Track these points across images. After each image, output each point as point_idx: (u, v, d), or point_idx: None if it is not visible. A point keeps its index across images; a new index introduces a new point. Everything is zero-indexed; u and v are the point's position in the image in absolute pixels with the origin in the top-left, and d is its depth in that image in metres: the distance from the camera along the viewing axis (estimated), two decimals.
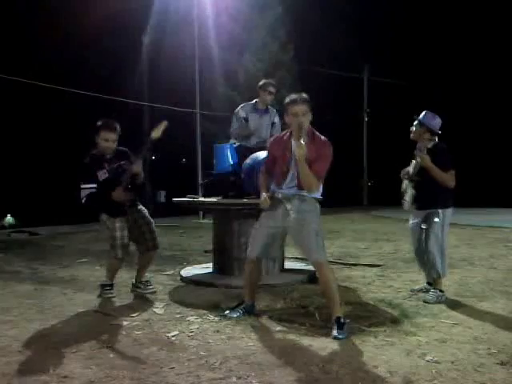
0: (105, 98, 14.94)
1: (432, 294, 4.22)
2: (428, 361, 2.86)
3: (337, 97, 21.62)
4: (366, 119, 24.72)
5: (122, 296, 4.52)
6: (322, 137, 3.57)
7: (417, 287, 4.61)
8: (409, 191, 4.34)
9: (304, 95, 3.53)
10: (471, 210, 16.33)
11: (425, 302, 4.15)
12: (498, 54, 21.90)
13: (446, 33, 22.73)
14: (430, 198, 4.20)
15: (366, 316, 3.76)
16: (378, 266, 6.04)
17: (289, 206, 3.56)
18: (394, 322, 3.63)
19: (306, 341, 3.20)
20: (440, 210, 4.19)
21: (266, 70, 16.30)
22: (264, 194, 3.64)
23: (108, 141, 4.26)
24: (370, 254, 7.16)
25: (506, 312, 3.93)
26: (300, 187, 3.51)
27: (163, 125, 4.24)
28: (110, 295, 4.44)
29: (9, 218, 15.40)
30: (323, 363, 2.81)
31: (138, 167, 4.25)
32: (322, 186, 3.61)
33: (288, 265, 5.59)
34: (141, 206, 4.59)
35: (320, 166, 3.47)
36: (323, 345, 3.12)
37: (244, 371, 2.71)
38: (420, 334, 3.36)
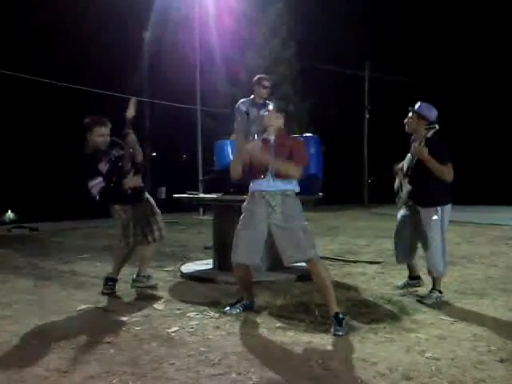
0: (105, 94, 14.93)
1: (430, 296, 4.13)
2: (427, 358, 2.86)
3: (338, 94, 21.59)
4: (367, 116, 24.67)
5: (122, 292, 4.52)
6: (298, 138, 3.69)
7: (400, 283, 4.59)
8: (404, 187, 4.22)
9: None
10: (472, 207, 16.35)
11: (422, 303, 4.07)
12: (500, 50, 21.84)
13: (447, 29, 22.68)
14: (427, 194, 4.05)
15: (366, 313, 3.76)
16: (378, 262, 6.04)
17: (273, 203, 3.49)
18: (394, 318, 3.63)
19: (306, 337, 3.20)
20: (439, 208, 4.04)
21: (267, 66, 16.29)
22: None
23: (103, 135, 4.34)
24: (369, 250, 7.16)
25: (506, 309, 3.92)
26: (279, 176, 3.49)
27: (132, 102, 4.39)
28: (111, 291, 4.44)
29: (9, 214, 15.41)
30: (323, 359, 2.81)
31: (130, 146, 4.36)
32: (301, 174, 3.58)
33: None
34: (148, 197, 4.64)
35: (296, 155, 3.51)
36: (323, 341, 3.13)
37: (244, 367, 2.71)
38: (420, 330, 3.36)
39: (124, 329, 3.43)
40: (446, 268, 4.21)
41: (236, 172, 3.61)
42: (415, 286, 4.51)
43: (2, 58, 13.92)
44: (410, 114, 4.21)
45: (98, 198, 4.28)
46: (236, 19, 16.57)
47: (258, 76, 5.64)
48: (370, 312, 3.80)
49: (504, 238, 8.40)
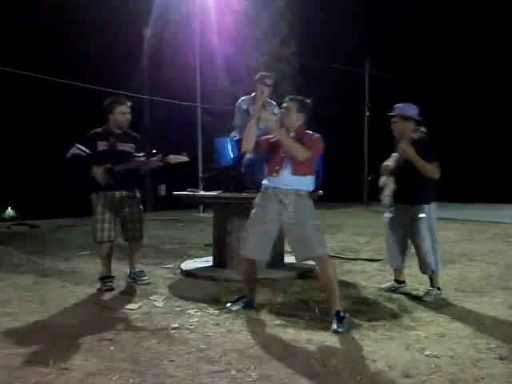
0: (105, 91, 14.92)
1: (430, 293, 4.14)
2: (427, 355, 2.86)
3: (338, 91, 21.55)
4: (367, 114, 24.64)
5: (121, 289, 4.53)
6: (316, 134, 3.63)
7: (384, 286, 4.50)
8: (389, 186, 4.23)
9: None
10: (471, 205, 16.36)
11: (422, 301, 4.06)
12: (499, 49, 21.82)
13: (447, 27, 22.65)
14: (414, 193, 4.06)
15: (366, 310, 3.77)
16: (378, 260, 6.04)
17: (286, 201, 3.51)
18: (394, 316, 3.64)
19: (306, 334, 3.21)
20: (425, 206, 4.06)
21: (266, 63, 16.27)
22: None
23: (124, 113, 4.51)
24: (369, 248, 7.17)
25: (506, 307, 3.93)
26: (295, 173, 3.50)
27: (182, 159, 4.48)
28: (108, 287, 4.45)
29: (9, 211, 15.42)
30: (322, 357, 2.81)
31: (149, 165, 4.53)
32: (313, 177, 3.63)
33: (288, 259, 5.59)
34: (136, 194, 4.63)
35: (308, 144, 3.51)
36: (323, 338, 3.13)
37: (243, 364, 2.72)
38: (419, 328, 3.37)
39: (124, 326, 3.43)
40: (439, 265, 4.22)
41: (248, 144, 3.63)
42: (400, 291, 4.35)
43: (3, 55, 13.90)
44: (394, 119, 4.20)
45: (68, 156, 4.37)
46: (236, 17, 16.54)
47: (260, 74, 5.57)
48: (369, 310, 3.80)
49: (503, 236, 8.40)
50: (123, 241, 4.70)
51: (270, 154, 3.64)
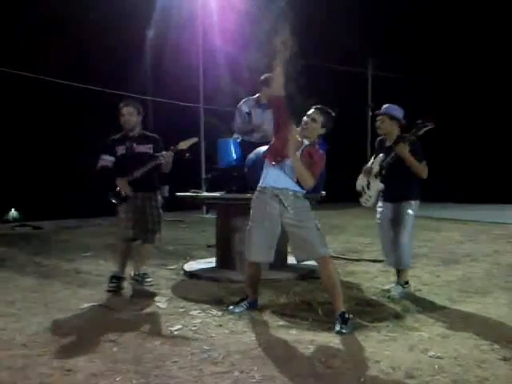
0: (109, 93, 14.95)
1: (396, 289, 4.23)
2: (430, 356, 2.86)
3: (340, 92, 21.53)
4: (370, 114, 24.63)
5: (125, 290, 4.53)
6: (321, 151, 3.58)
7: (387, 287, 4.46)
8: (373, 187, 4.28)
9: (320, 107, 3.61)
10: (475, 205, 16.31)
11: (391, 299, 4.10)
12: (505, 50, 21.77)
13: (451, 27, 22.60)
14: (404, 190, 4.20)
15: (369, 311, 3.77)
16: (381, 261, 6.01)
17: (286, 203, 3.48)
18: (397, 317, 3.64)
19: (309, 336, 3.21)
20: (413, 202, 4.21)
21: (269, 64, 16.27)
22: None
23: (124, 115, 4.52)
24: (373, 249, 7.15)
25: (509, 308, 3.92)
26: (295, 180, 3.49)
27: (192, 140, 4.54)
28: (112, 289, 4.45)
29: (13, 212, 15.45)
30: (326, 358, 2.81)
31: (165, 159, 4.48)
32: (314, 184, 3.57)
33: (291, 260, 5.59)
34: (156, 196, 4.66)
35: (314, 167, 3.47)
36: (326, 340, 3.13)
37: (246, 365, 2.72)
38: (423, 329, 3.36)
39: (127, 327, 3.43)
40: (411, 259, 4.39)
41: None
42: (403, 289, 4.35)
43: (5, 56, 13.94)
44: (380, 117, 4.30)
45: (97, 168, 4.48)
46: (238, 17, 16.55)
47: (267, 76, 5.48)
48: (372, 311, 3.80)
49: (507, 237, 8.38)
50: (138, 241, 4.66)
51: (275, 135, 3.57)
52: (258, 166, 4.82)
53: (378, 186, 4.25)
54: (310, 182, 3.44)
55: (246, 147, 5.16)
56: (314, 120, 3.52)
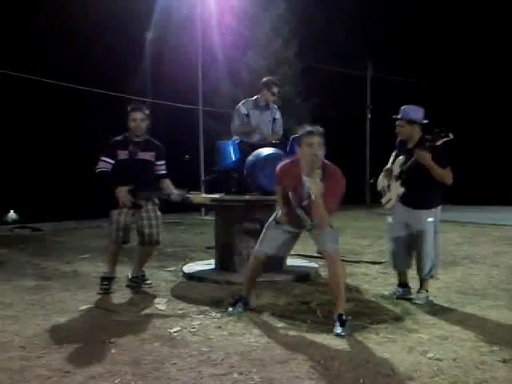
0: (108, 95, 14.95)
1: (419, 296, 4.14)
2: (430, 358, 2.86)
3: (339, 94, 21.55)
4: (369, 116, 24.63)
5: (124, 292, 4.53)
6: (333, 166, 3.56)
7: (387, 293, 4.40)
8: (393, 189, 4.19)
9: (320, 128, 3.47)
10: (474, 207, 16.32)
11: (415, 303, 4.05)
12: (503, 52, 21.82)
13: (450, 29, 22.65)
14: (425, 197, 4.04)
15: (368, 313, 3.77)
16: (381, 263, 6.03)
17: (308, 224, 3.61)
18: (396, 319, 3.64)
19: (308, 337, 3.20)
20: (434, 209, 4.06)
21: (268, 66, 16.28)
22: (283, 211, 3.69)
23: (136, 120, 4.43)
24: (372, 251, 7.15)
25: (508, 310, 3.92)
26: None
27: (204, 199, 4.79)
28: (105, 291, 4.42)
29: (12, 214, 15.44)
30: (325, 360, 2.81)
31: (172, 197, 4.54)
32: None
33: (290, 262, 5.58)
34: (154, 200, 4.60)
35: (332, 200, 3.47)
36: (325, 341, 3.13)
37: (245, 367, 2.71)
38: (422, 331, 3.36)
39: (126, 329, 3.43)
40: (438, 269, 4.24)
41: None
42: (403, 297, 4.27)
43: (6, 59, 13.95)
44: (399, 122, 4.15)
45: (96, 171, 4.40)
46: (238, 19, 16.56)
47: (268, 79, 5.42)
48: (372, 312, 3.80)
49: (506, 238, 8.38)
50: (138, 245, 4.62)
51: (291, 188, 3.62)
52: (257, 168, 4.84)
53: (398, 189, 4.14)
54: (326, 220, 3.49)
55: (245, 149, 5.17)
56: (320, 144, 3.42)
